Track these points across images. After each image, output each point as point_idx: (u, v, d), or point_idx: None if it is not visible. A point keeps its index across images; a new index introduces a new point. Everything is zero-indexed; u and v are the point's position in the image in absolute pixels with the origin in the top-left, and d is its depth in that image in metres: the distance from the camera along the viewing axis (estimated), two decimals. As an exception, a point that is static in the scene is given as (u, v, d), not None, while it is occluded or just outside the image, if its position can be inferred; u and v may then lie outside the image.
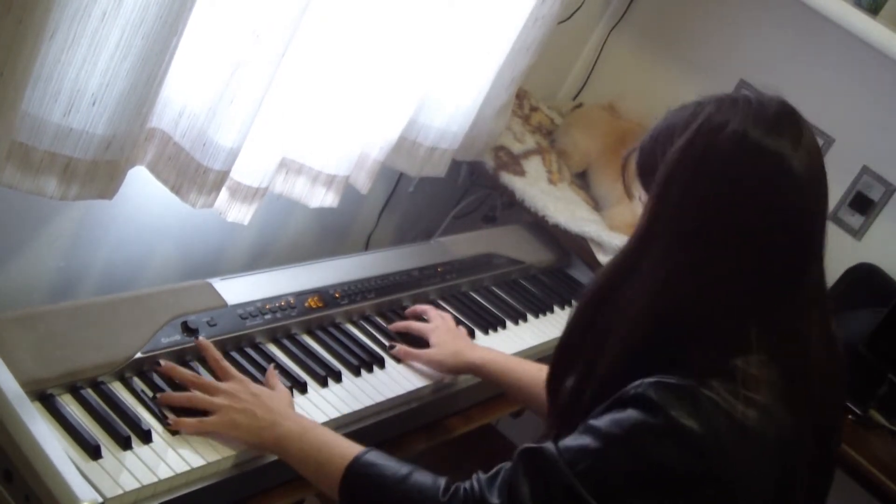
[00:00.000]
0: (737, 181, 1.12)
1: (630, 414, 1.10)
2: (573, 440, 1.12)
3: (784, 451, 1.13)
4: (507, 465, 1.15)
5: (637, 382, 1.11)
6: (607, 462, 1.09)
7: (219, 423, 1.31)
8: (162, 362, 1.37)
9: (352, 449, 1.25)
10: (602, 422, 1.11)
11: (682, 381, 1.10)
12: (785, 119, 1.14)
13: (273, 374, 1.44)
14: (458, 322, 1.82)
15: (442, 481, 1.18)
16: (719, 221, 1.12)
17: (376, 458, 1.23)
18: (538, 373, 1.58)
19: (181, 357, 1.42)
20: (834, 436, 1.26)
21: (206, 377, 1.39)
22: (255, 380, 1.42)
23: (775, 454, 1.12)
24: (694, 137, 1.14)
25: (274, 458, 1.35)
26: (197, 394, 1.34)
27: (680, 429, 1.07)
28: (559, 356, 1.27)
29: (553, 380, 1.27)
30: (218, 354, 1.42)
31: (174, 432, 1.29)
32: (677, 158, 1.14)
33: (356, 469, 1.22)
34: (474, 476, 1.17)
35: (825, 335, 1.20)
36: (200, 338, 1.43)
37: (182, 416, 1.31)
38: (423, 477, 1.19)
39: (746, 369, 1.11)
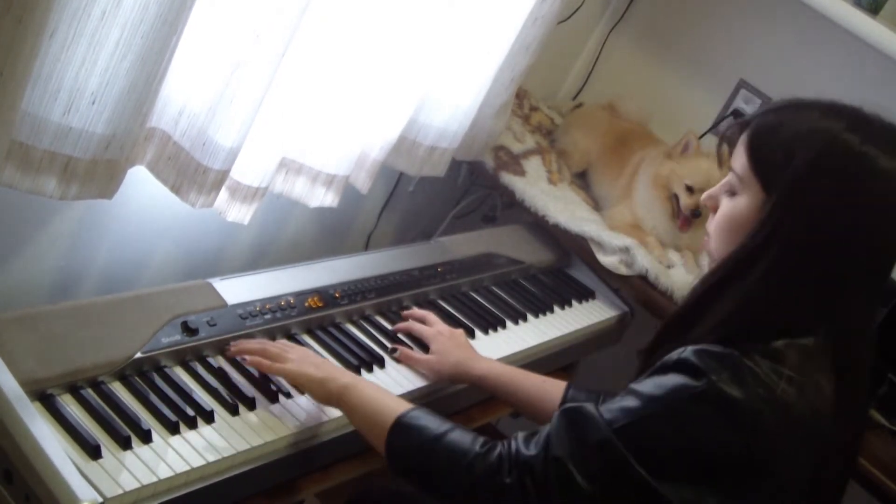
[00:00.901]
0: (864, 200, 1.18)
1: (672, 378, 1.14)
2: (615, 402, 1.17)
3: (820, 436, 1.16)
4: (547, 425, 1.19)
5: (681, 349, 1.15)
6: (645, 421, 1.13)
7: (295, 369, 1.40)
8: (232, 345, 1.46)
9: (403, 405, 1.33)
10: (644, 385, 1.16)
11: (726, 350, 1.14)
12: None
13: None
14: (458, 322, 1.82)
15: (481, 439, 1.23)
16: (840, 234, 1.19)
17: (422, 413, 1.31)
18: (542, 384, 1.59)
19: (181, 357, 1.42)
20: (860, 438, 1.31)
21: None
22: (253, 380, 1.43)
23: (811, 438, 1.15)
24: (828, 151, 1.19)
25: (273, 458, 1.35)
26: (271, 344, 1.46)
27: (721, 394, 1.11)
28: (666, 327, 1.31)
29: (653, 347, 1.31)
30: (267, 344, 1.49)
31: (174, 432, 1.29)
32: (810, 172, 1.19)
33: (403, 421, 1.29)
34: (513, 435, 1.21)
35: (872, 339, 1.26)
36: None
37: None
38: (462, 434, 1.25)
39: (790, 353, 1.16)
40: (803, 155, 1.19)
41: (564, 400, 1.55)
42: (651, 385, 1.15)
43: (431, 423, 1.28)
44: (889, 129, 1.22)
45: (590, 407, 1.17)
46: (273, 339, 1.56)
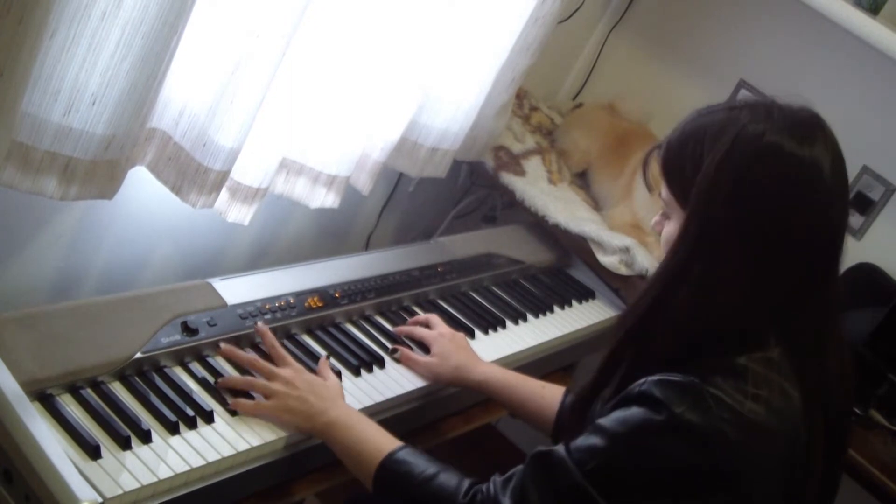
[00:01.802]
0: (777, 193, 1.15)
1: (634, 412, 1.13)
2: (582, 440, 1.15)
3: (794, 447, 1.15)
4: (521, 467, 1.19)
5: (641, 380, 1.14)
6: (614, 460, 1.12)
7: (275, 407, 1.37)
8: (222, 345, 1.45)
9: (388, 445, 1.32)
10: (608, 421, 1.14)
11: (686, 379, 1.12)
12: (816, 128, 1.18)
13: (325, 364, 1.51)
14: (458, 322, 1.82)
15: (466, 483, 1.23)
16: (761, 231, 1.15)
17: (408, 455, 1.29)
18: (540, 390, 1.59)
19: (181, 357, 1.42)
20: (844, 435, 1.29)
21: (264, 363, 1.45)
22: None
23: (784, 450, 1.14)
24: (732, 149, 1.16)
25: (273, 459, 1.35)
26: (255, 379, 1.41)
27: (684, 424, 1.09)
28: (604, 367, 1.29)
29: (589, 396, 1.31)
30: (275, 341, 1.49)
31: (174, 432, 1.29)
32: (717, 170, 1.16)
33: (388, 465, 1.29)
34: (492, 479, 1.21)
35: (839, 337, 1.23)
36: (259, 323, 1.50)
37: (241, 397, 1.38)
38: (448, 478, 1.25)
39: (754, 367, 1.14)
40: (711, 157, 1.16)
41: (562, 407, 1.55)
42: (614, 421, 1.14)
43: (416, 467, 1.27)
44: (791, 114, 1.18)
45: (559, 451, 1.16)
46: (273, 339, 1.56)
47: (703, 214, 1.17)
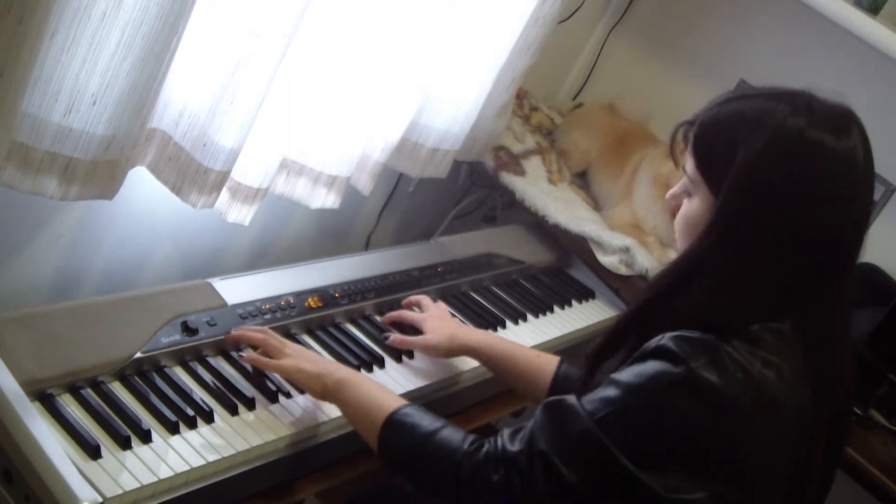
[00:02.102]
0: (813, 187, 1.16)
1: (651, 365, 1.13)
2: (595, 393, 1.16)
3: (801, 425, 1.15)
4: (531, 420, 1.19)
5: (659, 336, 1.14)
6: (626, 409, 1.12)
7: (290, 364, 1.41)
8: (233, 330, 1.47)
9: (395, 401, 1.33)
10: (624, 374, 1.15)
11: (704, 335, 1.13)
12: (852, 124, 1.19)
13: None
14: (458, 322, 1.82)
15: (470, 437, 1.23)
16: (792, 225, 1.16)
17: (414, 410, 1.31)
18: (535, 359, 1.60)
19: (181, 357, 1.42)
20: (844, 432, 1.30)
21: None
22: (252, 379, 1.43)
23: (791, 424, 1.15)
24: (772, 141, 1.16)
25: (273, 458, 1.35)
26: (270, 339, 1.45)
27: (699, 379, 1.10)
28: (615, 332, 1.30)
29: (600, 352, 1.30)
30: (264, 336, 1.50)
31: (174, 432, 1.29)
32: (756, 161, 1.16)
33: (394, 419, 1.29)
34: (499, 432, 1.21)
35: (847, 336, 1.25)
36: (232, 331, 1.48)
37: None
38: (452, 432, 1.25)
39: (767, 337, 1.15)
40: (747, 148, 1.17)
41: (556, 376, 1.56)
42: (630, 374, 1.14)
43: (423, 420, 1.28)
44: (831, 108, 1.19)
45: (571, 399, 1.16)
46: (273, 339, 1.56)
47: (738, 205, 1.18)
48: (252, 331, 1.47)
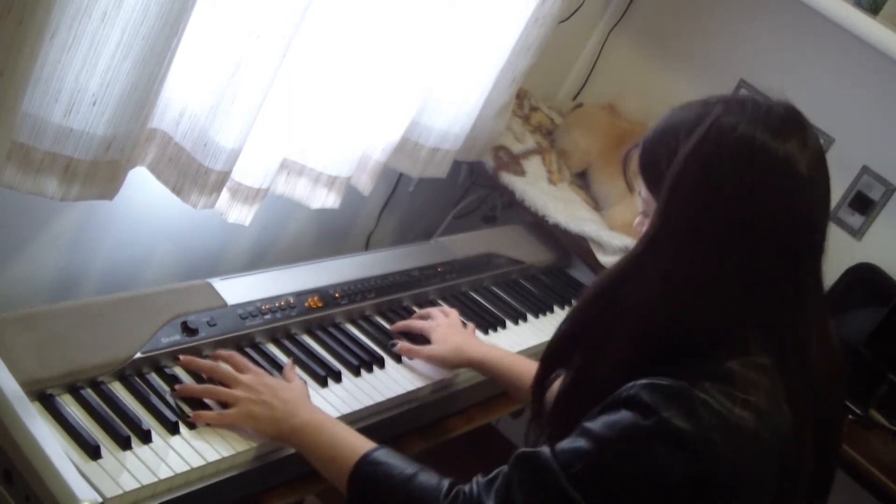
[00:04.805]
0: (747, 186, 1.12)
1: (623, 416, 1.10)
2: (568, 443, 1.12)
3: (783, 453, 1.13)
4: (504, 468, 1.16)
5: (630, 384, 1.11)
6: (601, 465, 1.09)
7: (237, 415, 1.33)
8: (181, 356, 1.40)
9: (363, 446, 1.27)
10: (596, 424, 1.11)
11: (675, 383, 1.09)
12: (792, 122, 1.15)
13: (291, 368, 1.48)
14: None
15: (446, 483, 1.19)
16: (729, 225, 1.13)
17: (384, 456, 1.25)
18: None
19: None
20: (835, 433, 1.27)
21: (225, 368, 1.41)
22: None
23: (774, 456, 1.12)
24: (703, 140, 1.14)
25: (273, 458, 1.35)
26: (215, 386, 1.37)
27: (672, 430, 1.07)
28: (552, 353, 1.27)
29: (542, 377, 1.28)
30: (229, 352, 1.44)
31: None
32: (686, 161, 1.14)
33: (364, 467, 1.24)
34: (474, 479, 1.18)
35: (824, 334, 1.21)
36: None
37: (199, 408, 1.34)
38: (427, 478, 1.20)
39: (742, 371, 1.11)
40: (683, 150, 1.14)
41: None
42: (602, 424, 1.11)
43: (394, 468, 1.23)
44: (763, 106, 1.16)
45: (545, 454, 1.13)
46: (273, 338, 1.56)
47: (672, 205, 1.15)
48: (201, 364, 1.40)
